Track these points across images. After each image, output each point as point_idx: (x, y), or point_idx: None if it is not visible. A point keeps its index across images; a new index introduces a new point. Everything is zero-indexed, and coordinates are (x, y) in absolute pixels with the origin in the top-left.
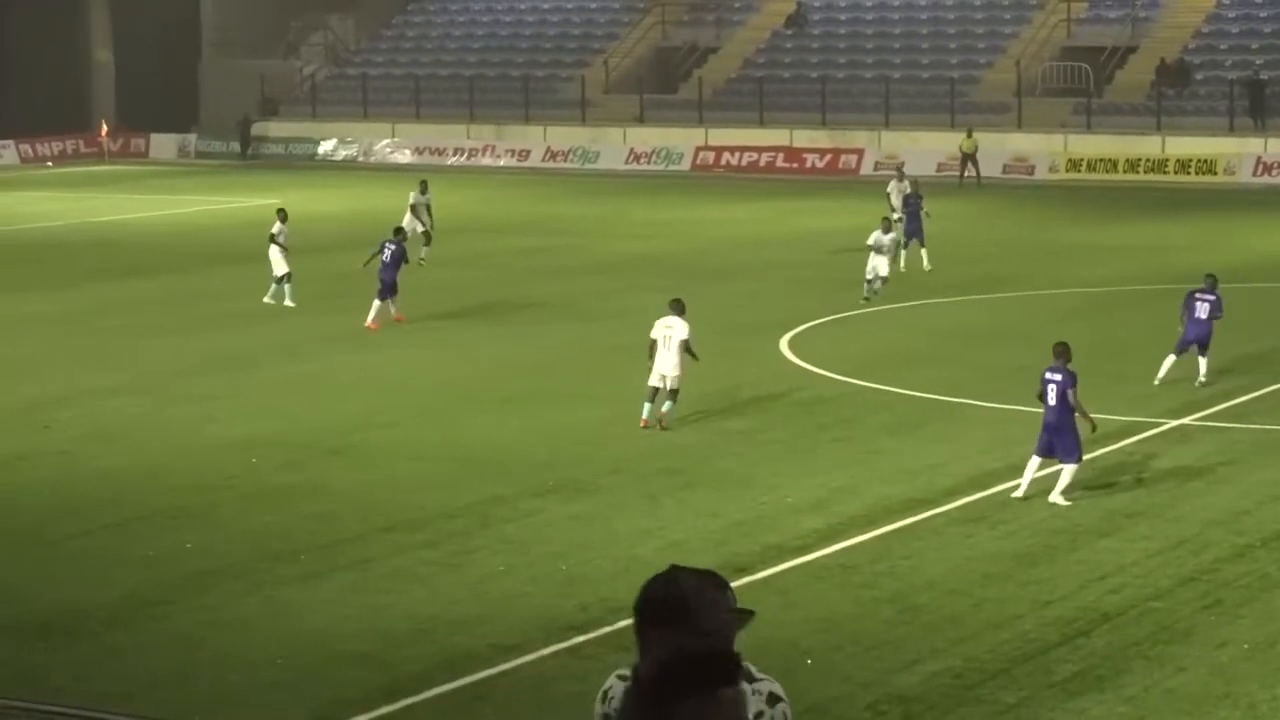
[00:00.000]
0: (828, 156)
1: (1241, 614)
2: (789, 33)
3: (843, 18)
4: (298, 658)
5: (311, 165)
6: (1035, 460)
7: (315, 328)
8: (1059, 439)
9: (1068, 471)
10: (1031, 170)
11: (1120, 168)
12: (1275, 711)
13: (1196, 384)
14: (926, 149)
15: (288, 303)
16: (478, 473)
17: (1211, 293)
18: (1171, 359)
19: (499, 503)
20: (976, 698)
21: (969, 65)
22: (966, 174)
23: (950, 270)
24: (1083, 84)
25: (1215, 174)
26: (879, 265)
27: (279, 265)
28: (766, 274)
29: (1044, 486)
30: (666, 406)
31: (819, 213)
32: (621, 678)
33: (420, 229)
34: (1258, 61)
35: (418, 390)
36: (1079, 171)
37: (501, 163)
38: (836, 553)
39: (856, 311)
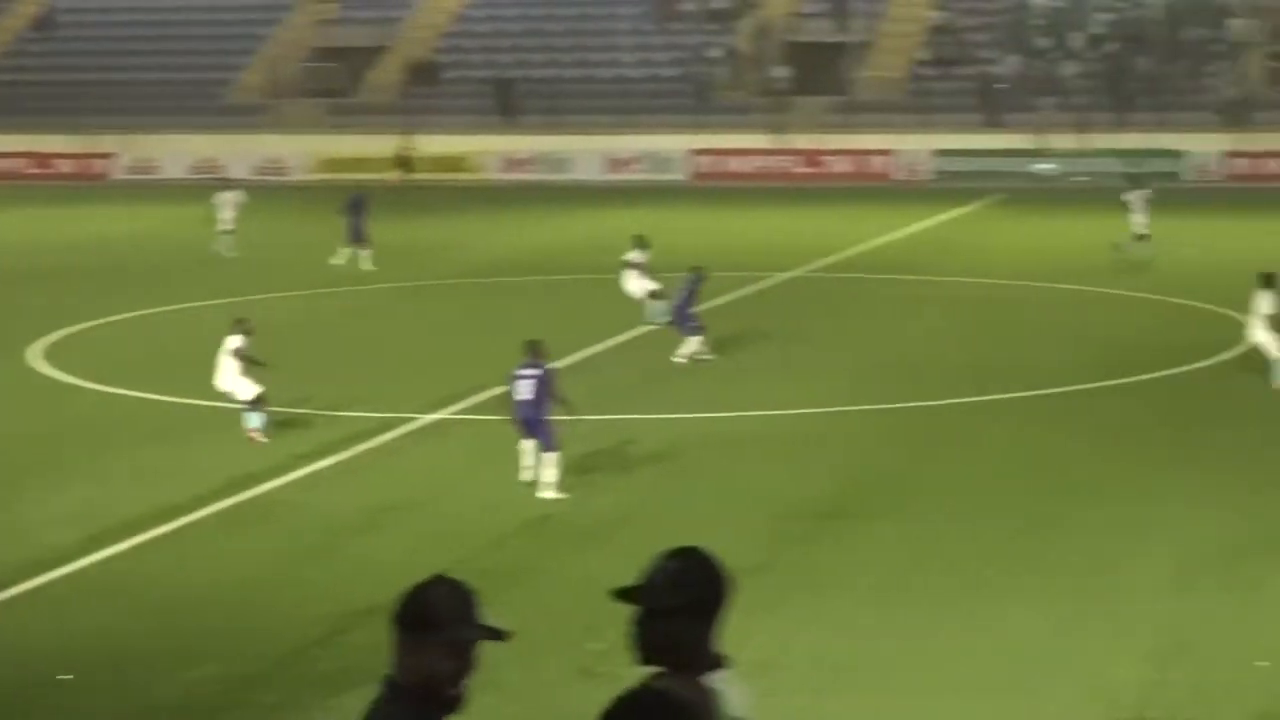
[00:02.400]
0: (78, 161)
1: (498, 602)
2: (36, 35)
3: (93, 20)
4: None
5: None
6: (527, 443)
7: None
8: (538, 431)
9: (549, 461)
10: (286, 171)
11: (375, 166)
12: (533, 694)
13: None
14: (180, 150)
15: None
16: None
17: None
18: None
19: None
20: (240, 702)
21: (222, 67)
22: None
23: (208, 273)
24: (336, 84)
25: (467, 171)
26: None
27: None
28: (15, 283)
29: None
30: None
31: (69, 220)
32: None
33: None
34: (505, 61)
35: None
36: (334, 171)
37: None
38: (97, 563)
39: (121, 316)
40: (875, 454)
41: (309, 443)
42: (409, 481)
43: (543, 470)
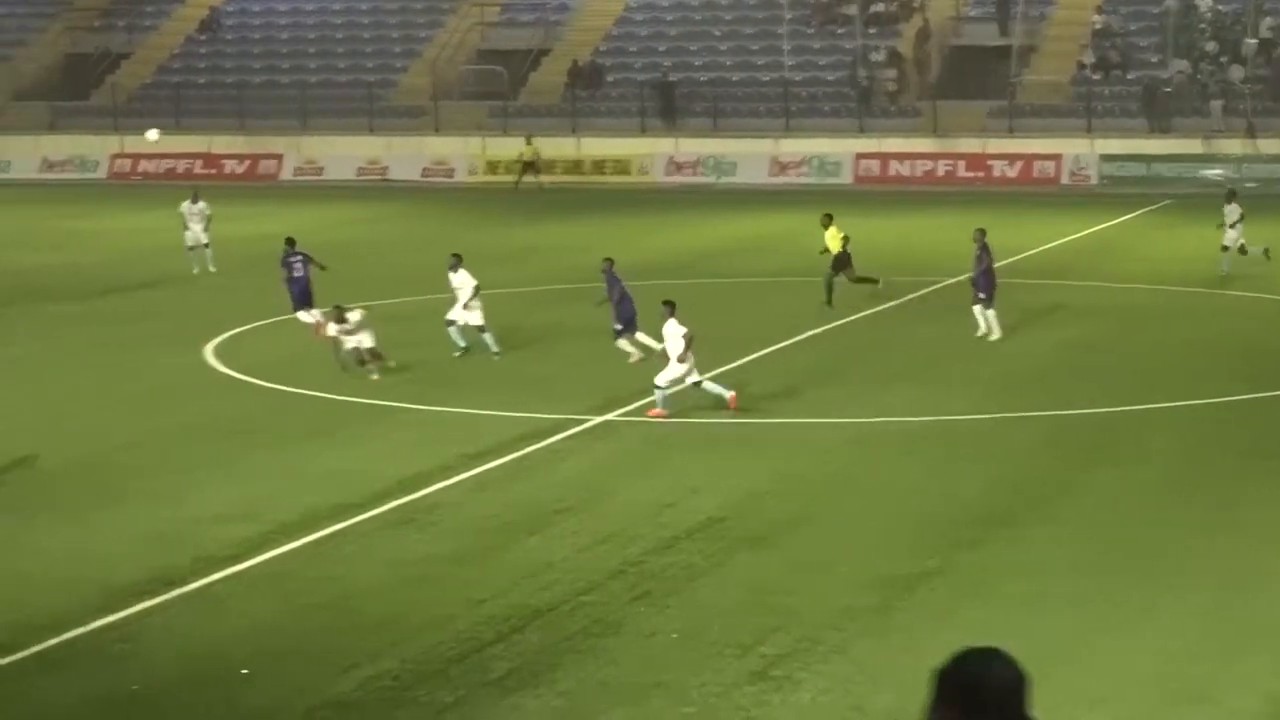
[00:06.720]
0: (247, 162)
1: (669, 604)
2: (203, 38)
3: (256, 22)
4: None
5: None
6: None
7: None
8: None
9: None
10: (451, 173)
11: (538, 169)
12: (704, 696)
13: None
14: (344, 154)
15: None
16: None
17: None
18: None
19: None
20: (414, 699)
21: (385, 69)
22: (524, 179)
23: (369, 274)
24: (498, 87)
25: (630, 174)
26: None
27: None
28: (187, 283)
29: None
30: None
31: (237, 219)
32: None
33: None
34: (666, 64)
35: None
36: (497, 174)
37: None
38: (268, 561)
39: (282, 317)
40: (1030, 461)
41: (477, 444)
42: (577, 483)
43: None
